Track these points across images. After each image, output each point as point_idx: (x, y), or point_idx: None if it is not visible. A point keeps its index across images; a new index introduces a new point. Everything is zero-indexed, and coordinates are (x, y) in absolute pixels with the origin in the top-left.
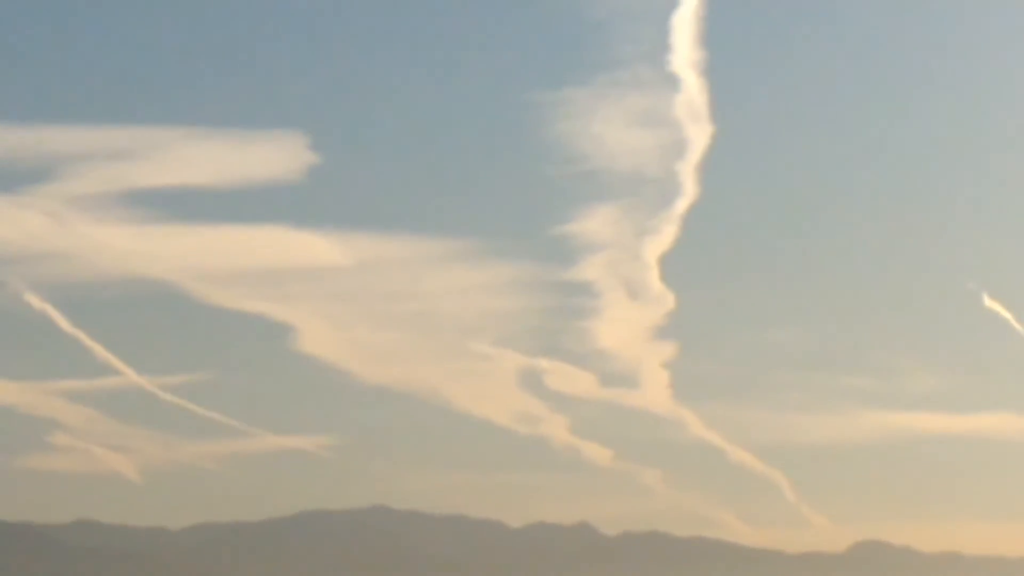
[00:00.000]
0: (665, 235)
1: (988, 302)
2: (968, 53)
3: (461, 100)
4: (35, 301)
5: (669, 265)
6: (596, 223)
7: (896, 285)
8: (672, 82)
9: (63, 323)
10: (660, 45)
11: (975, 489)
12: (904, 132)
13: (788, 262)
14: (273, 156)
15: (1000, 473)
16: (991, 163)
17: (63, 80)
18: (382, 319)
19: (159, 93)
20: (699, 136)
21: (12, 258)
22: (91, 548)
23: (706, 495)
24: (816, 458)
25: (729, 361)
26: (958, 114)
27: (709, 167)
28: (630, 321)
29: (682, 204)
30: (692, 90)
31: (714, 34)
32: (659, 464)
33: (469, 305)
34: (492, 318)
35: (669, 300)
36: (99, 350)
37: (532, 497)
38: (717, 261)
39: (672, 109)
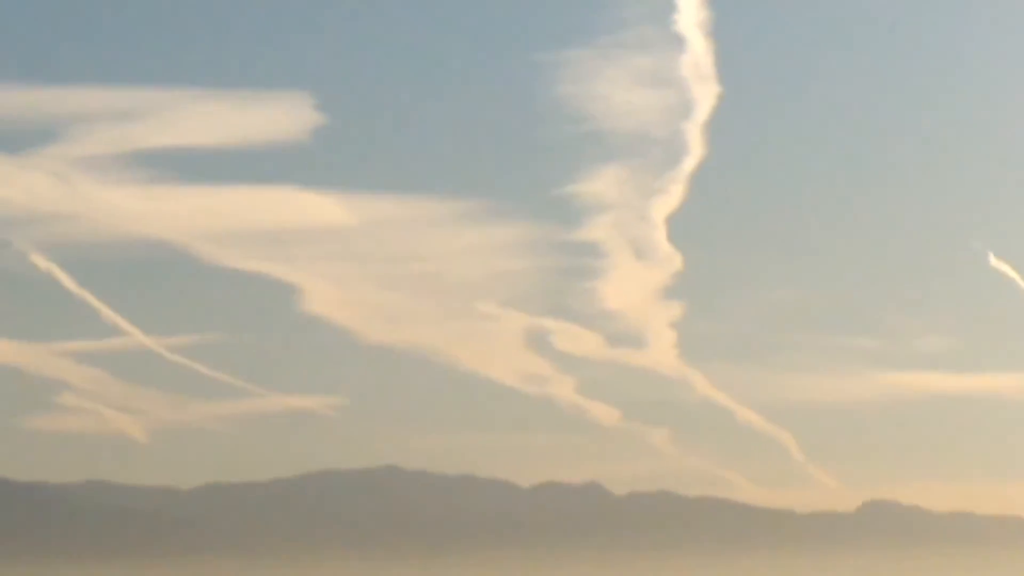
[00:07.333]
0: (672, 195)
1: (994, 261)
2: (975, 15)
3: (466, 61)
4: (41, 262)
5: (676, 225)
6: (602, 183)
7: (902, 244)
8: (677, 42)
9: (69, 284)
10: (665, 5)
11: (984, 448)
12: (910, 92)
13: (795, 222)
14: (278, 116)
15: (1008, 432)
16: (996, 122)
17: (68, 41)
18: (388, 279)
19: (165, 53)
20: (705, 96)
21: (18, 219)
22: (102, 507)
23: (714, 455)
24: (823, 418)
25: (736, 321)
26: (963, 74)
27: (716, 127)
28: (637, 281)
29: (689, 164)
30: (698, 50)
31: None
32: (667, 424)
33: (475, 266)
34: (498, 278)
35: (676, 260)
36: (106, 311)
37: (541, 457)
38: (724, 221)
39: (678, 69)
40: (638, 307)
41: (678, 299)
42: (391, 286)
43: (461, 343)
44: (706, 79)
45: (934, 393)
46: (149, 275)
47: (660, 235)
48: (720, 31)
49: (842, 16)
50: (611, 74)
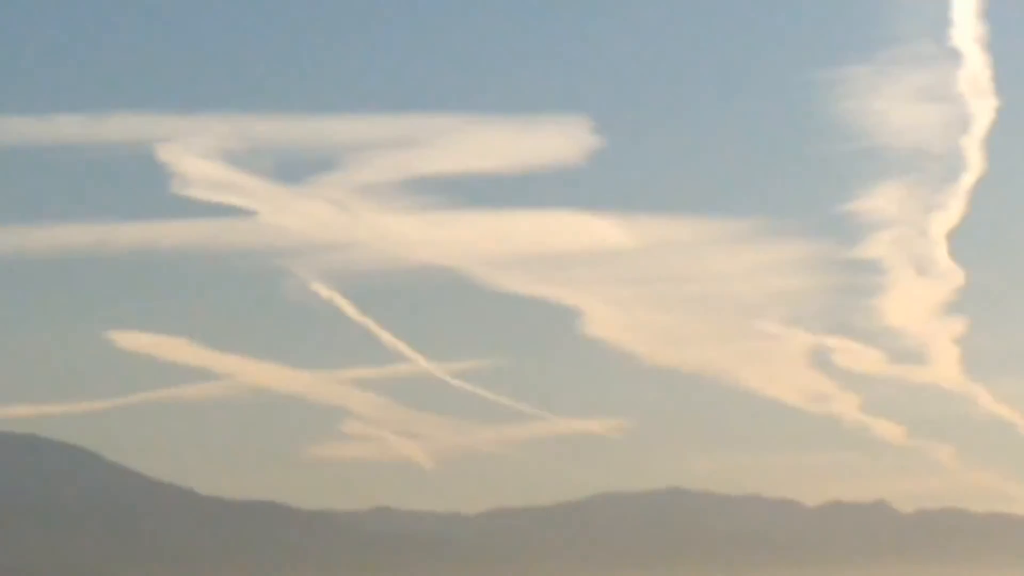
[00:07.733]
0: (952, 211)
1: None
2: None
3: (742, 80)
4: (323, 290)
5: (957, 241)
6: (881, 200)
7: None
8: (954, 57)
9: (351, 311)
10: (941, 20)
11: None
12: None
13: None
14: (557, 140)
15: None
16: None
17: (345, 70)
18: (668, 301)
19: (442, 80)
20: (983, 110)
21: (299, 248)
22: (389, 534)
23: (1001, 470)
24: None
25: (1020, 335)
26: None
27: (995, 141)
28: (918, 297)
29: (968, 179)
30: (975, 64)
31: (996, 7)
32: (952, 440)
33: (755, 285)
34: (778, 297)
35: (958, 276)
36: (387, 337)
37: (826, 475)
38: (1006, 235)
39: (955, 84)
40: (920, 323)
41: (960, 314)
42: (671, 307)
43: (743, 363)
44: (984, 93)
45: None
46: (430, 301)
47: (941, 251)
48: (997, 45)
49: None
50: (889, 90)
